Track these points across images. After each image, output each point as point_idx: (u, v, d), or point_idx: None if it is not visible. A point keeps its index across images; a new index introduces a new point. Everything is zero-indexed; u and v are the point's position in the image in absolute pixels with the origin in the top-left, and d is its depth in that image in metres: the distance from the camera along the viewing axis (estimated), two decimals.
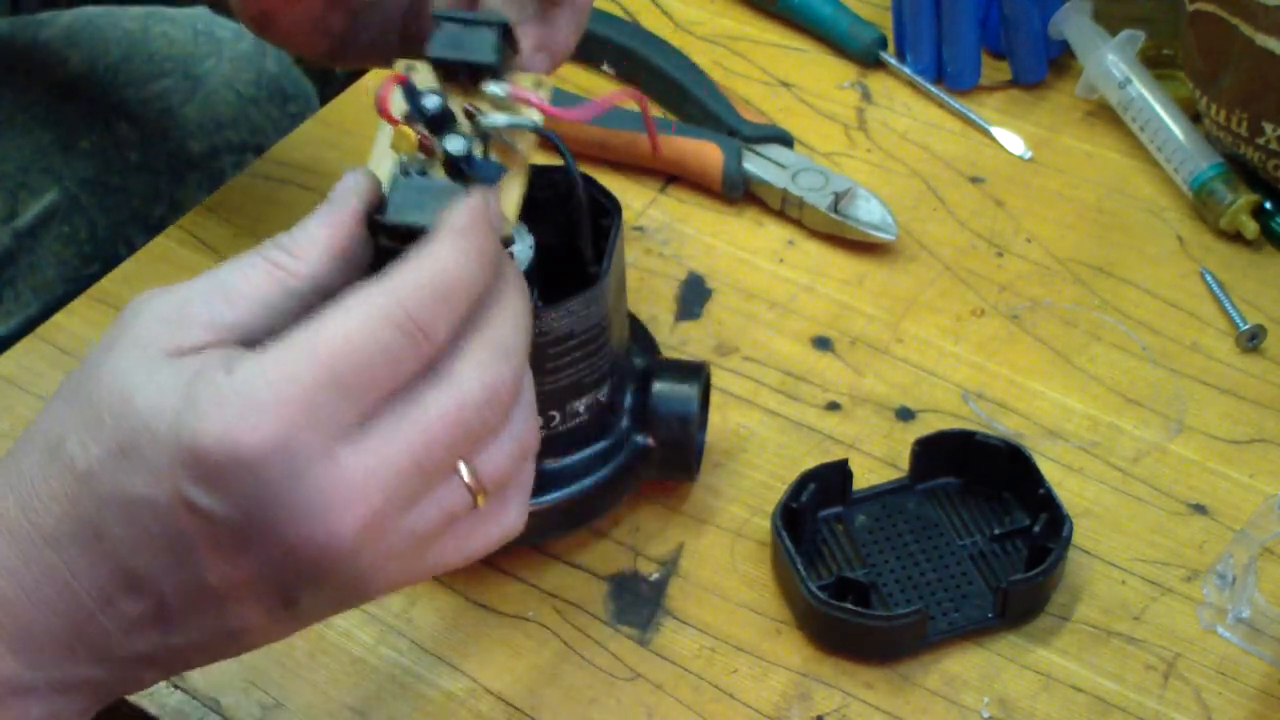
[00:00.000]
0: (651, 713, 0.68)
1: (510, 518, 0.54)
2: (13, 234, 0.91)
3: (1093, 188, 0.91)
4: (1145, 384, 0.80)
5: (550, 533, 0.71)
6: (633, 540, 0.74)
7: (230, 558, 0.50)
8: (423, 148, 0.58)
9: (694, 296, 0.84)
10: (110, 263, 0.88)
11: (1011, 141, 0.92)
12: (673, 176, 0.90)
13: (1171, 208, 0.89)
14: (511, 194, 0.58)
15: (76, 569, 0.51)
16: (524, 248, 0.66)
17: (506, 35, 0.60)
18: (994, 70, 0.97)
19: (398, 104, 0.58)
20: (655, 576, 0.72)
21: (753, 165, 0.88)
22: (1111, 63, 0.91)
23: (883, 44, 0.97)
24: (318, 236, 0.54)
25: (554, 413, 0.67)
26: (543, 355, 0.65)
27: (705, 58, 0.97)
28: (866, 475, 0.75)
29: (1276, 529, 0.72)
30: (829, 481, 0.73)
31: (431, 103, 0.58)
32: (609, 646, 0.70)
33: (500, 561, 0.72)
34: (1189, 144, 0.88)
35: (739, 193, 0.89)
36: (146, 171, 0.98)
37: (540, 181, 0.67)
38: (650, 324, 0.82)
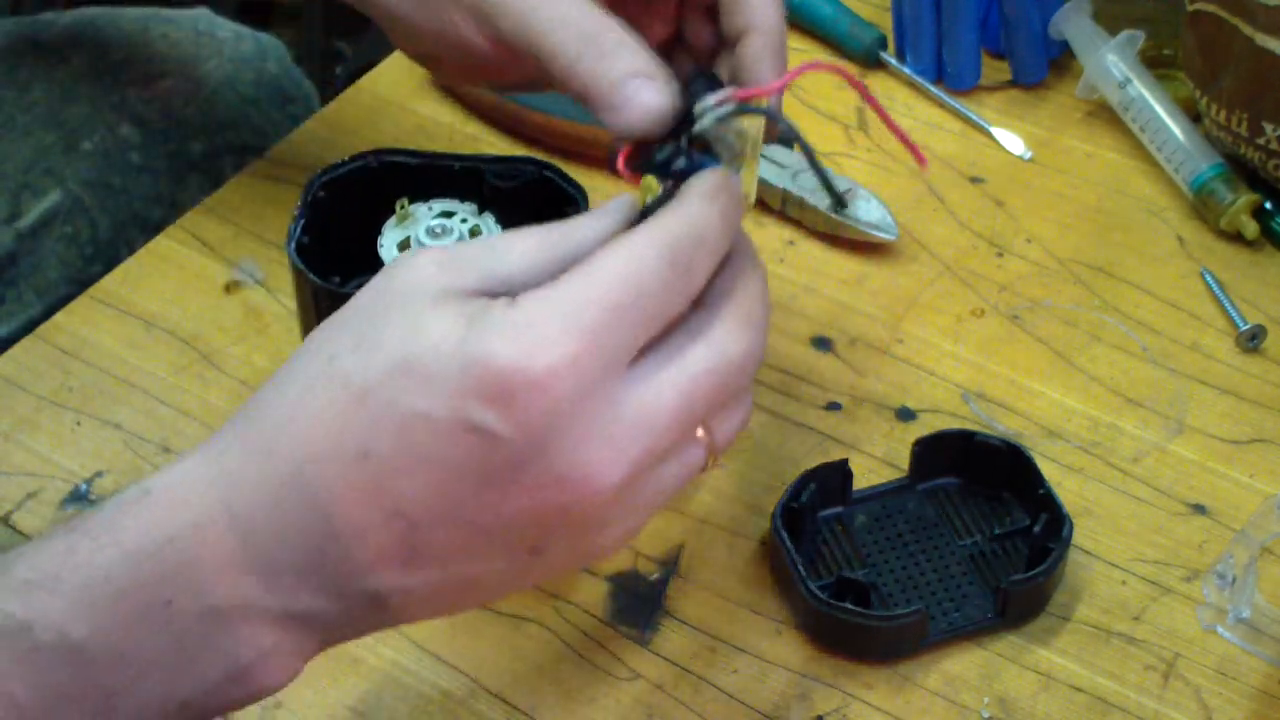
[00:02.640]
0: (651, 713, 0.68)
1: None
2: (15, 235, 0.91)
3: (1093, 188, 0.91)
4: (1145, 384, 0.80)
5: None
6: (633, 540, 0.74)
7: (499, 487, 0.50)
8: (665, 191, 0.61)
9: None
10: (112, 264, 0.88)
11: (1011, 141, 0.92)
12: None
13: (1171, 208, 0.89)
14: (748, 176, 0.62)
15: (335, 489, 0.51)
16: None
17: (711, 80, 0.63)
18: (994, 70, 0.97)
19: (633, 164, 0.62)
20: (655, 576, 0.72)
21: None
22: (1111, 63, 0.92)
23: (883, 44, 0.97)
24: (595, 223, 0.56)
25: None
26: None
27: None
28: (866, 475, 0.75)
29: (1276, 529, 0.72)
30: (829, 481, 0.73)
31: (662, 154, 0.61)
32: (609, 646, 0.70)
33: None
34: (1189, 144, 0.88)
35: None
36: (148, 173, 0.98)
37: (507, 171, 0.69)
38: None
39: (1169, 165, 0.89)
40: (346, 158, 0.71)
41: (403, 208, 0.69)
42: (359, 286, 0.66)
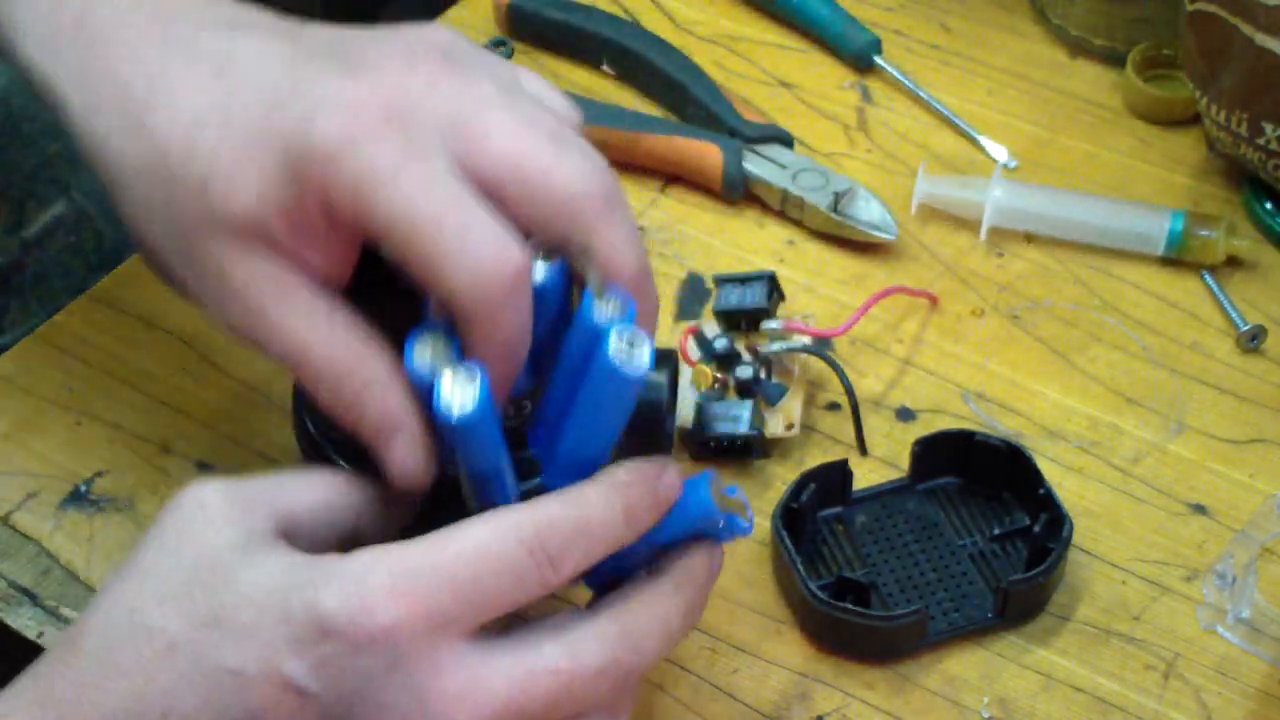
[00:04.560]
0: (651, 713, 0.68)
1: None
2: (20, 244, 0.91)
3: (1093, 188, 0.90)
4: (1145, 384, 0.80)
5: None
6: None
7: None
8: (716, 381, 0.75)
9: (694, 296, 0.84)
10: None
11: (997, 151, 0.92)
12: (673, 176, 0.90)
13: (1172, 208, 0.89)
14: (794, 402, 0.76)
15: None
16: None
17: (773, 283, 0.77)
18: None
19: (693, 350, 0.76)
20: None
21: (753, 165, 0.88)
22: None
23: (877, 47, 0.97)
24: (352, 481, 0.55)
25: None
26: None
27: (705, 58, 0.97)
28: (867, 475, 0.75)
29: (1276, 529, 0.72)
30: (829, 481, 0.73)
31: (720, 345, 0.76)
32: None
33: None
34: (1133, 218, 0.85)
35: (739, 193, 0.89)
36: None
37: None
38: None
39: (1141, 251, 0.85)
40: None
41: None
42: (359, 287, 0.66)
